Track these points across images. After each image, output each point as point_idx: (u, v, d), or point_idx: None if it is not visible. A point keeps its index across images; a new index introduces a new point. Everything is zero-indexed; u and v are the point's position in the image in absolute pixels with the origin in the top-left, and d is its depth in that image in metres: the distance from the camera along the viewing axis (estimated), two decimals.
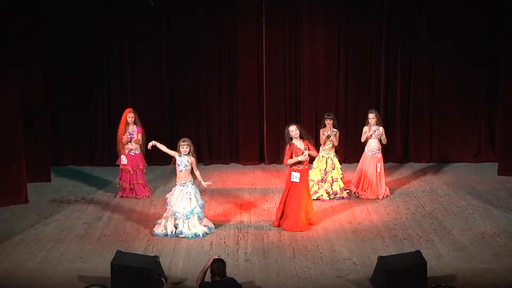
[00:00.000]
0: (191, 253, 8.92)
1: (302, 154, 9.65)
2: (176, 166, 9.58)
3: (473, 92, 13.13)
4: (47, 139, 11.94)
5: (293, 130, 9.73)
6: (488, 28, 12.69)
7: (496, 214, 10.32)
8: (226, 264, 7.41)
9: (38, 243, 9.25)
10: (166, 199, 9.71)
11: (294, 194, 9.73)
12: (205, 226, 9.65)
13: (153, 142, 9.87)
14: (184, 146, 9.49)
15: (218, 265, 7.18)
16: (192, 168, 9.55)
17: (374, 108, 11.74)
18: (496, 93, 12.81)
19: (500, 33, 12.35)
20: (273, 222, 9.93)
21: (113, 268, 7.79)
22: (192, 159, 9.53)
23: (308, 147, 9.73)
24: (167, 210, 9.64)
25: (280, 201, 9.92)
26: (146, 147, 10.12)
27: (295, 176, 9.68)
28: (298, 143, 9.74)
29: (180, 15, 12.74)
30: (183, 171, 9.52)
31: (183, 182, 9.56)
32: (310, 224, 9.86)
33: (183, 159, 9.51)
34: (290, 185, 9.76)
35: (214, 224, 9.81)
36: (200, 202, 9.62)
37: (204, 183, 9.59)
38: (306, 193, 9.86)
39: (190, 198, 9.52)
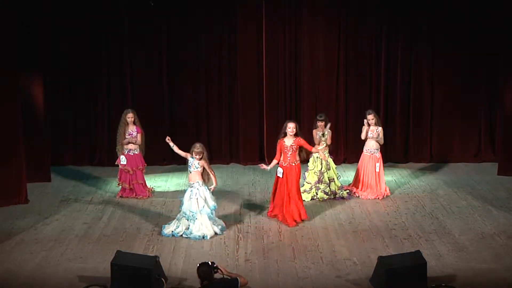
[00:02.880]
0: (191, 253, 8.91)
1: (288, 151, 9.79)
2: (188, 167, 9.60)
3: (473, 92, 13.13)
4: (47, 139, 11.94)
5: (291, 127, 9.79)
6: (488, 28, 12.69)
7: (496, 214, 10.32)
8: (227, 264, 7.39)
9: (38, 243, 9.25)
10: (180, 200, 9.71)
11: (280, 188, 9.96)
12: (218, 225, 9.64)
13: (170, 143, 9.78)
14: (198, 155, 9.46)
15: (203, 270, 7.11)
16: (203, 170, 9.52)
17: (373, 108, 11.73)
18: (496, 93, 12.82)
19: (500, 33, 12.35)
20: (267, 212, 10.26)
21: (113, 268, 7.79)
22: (203, 162, 9.50)
23: (298, 145, 9.84)
24: (180, 211, 9.66)
25: (272, 193, 10.21)
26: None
27: (279, 172, 9.91)
28: (287, 140, 9.81)
29: (180, 15, 12.75)
30: (192, 172, 9.52)
31: (191, 183, 9.57)
32: (302, 220, 9.98)
33: (195, 161, 9.50)
34: (276, 179, 10.03)
35: None
36: (212, 204, 9.58)
37: (210, 187, 9.59)
38: (294, 191, 9.92)
39: (197, 199, 9.50)
